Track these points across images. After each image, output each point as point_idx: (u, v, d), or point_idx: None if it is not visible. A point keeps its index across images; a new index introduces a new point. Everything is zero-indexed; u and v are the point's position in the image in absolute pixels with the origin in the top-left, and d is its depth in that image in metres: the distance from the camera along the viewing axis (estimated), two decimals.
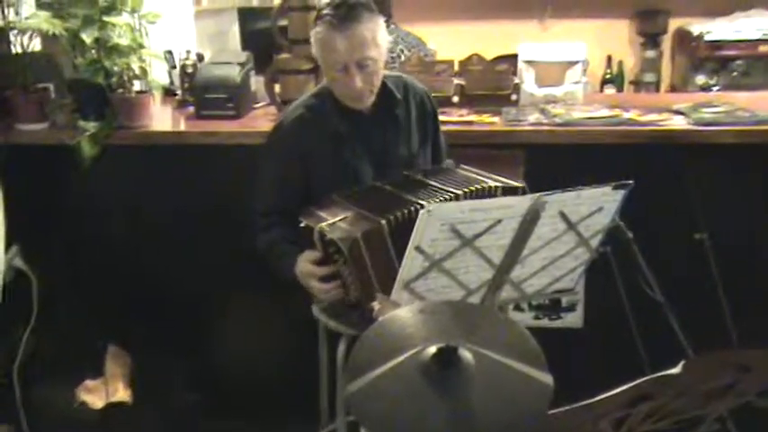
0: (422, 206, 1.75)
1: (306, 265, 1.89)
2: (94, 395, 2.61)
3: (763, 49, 3.96)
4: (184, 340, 2.70)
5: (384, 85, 2.06)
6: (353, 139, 2.04)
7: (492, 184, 1.93)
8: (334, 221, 1.81)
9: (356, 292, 1.82)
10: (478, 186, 1.91)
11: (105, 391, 2.62)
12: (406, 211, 1.81)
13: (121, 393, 2.60)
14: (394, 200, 1.88)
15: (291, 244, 1.97)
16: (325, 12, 1.91)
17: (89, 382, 2.63)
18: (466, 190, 1.89)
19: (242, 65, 2.74)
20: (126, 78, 2.55)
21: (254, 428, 2.67)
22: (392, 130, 2.08)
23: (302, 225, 1.88)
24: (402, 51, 3.13)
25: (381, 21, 1.95)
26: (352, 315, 1.93)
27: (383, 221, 1.78)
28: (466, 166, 2.07)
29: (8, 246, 2.51)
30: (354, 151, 2.04)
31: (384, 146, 2.07)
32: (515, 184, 1.94)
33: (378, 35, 1.92)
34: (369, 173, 2.04)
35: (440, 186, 1.91)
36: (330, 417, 2.32)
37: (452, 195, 1.87)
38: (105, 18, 2.44)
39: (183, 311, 2.71)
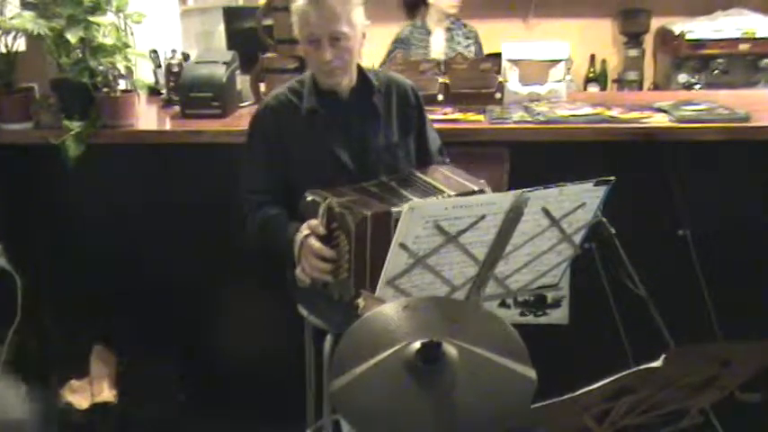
0: None
1: (310, 239, 1.86)
2: (80, 395, 2.60)
3: (743, 47, 4.01)
4: (170, 340, 2.69)
5: (363, 74, 2.11)
6: (329, 122, 2.08)
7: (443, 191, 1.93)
8: (343, 200, 1.83)
9: (346, 273, 1.83)
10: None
11: (90, 391, 2.61)
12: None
13: (107, 393, 2.59)
14: (398, 196, 1.91)
15: (288, 219, 1.99)
16: None
17: (74, 383, 2.62)
18: None
19: (227, 64, 2.74)
20: (111, 78, 2.54)
21: (241, 427, 2.67)
22: (370, 117, 2.11)
23: (308, 199, 1.89)
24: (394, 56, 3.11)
25: (358, 3, 2.01)
26: (330, 296, 1.93)
27: (393, 209, 1.81)
28: (422, 172, 2.06)
29: None
30: (331, 135, 2.07)
31: (361, 133, 2.10)
32: (472, 187, 1.95)
33: (352, 14, 1.98)
34: (347, 158, 2.07)
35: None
36: (317, 414, 2.33)
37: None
38: (90, 18, 2.43)
39: (168, 311, 2.70)
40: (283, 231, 1.96)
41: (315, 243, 1.85)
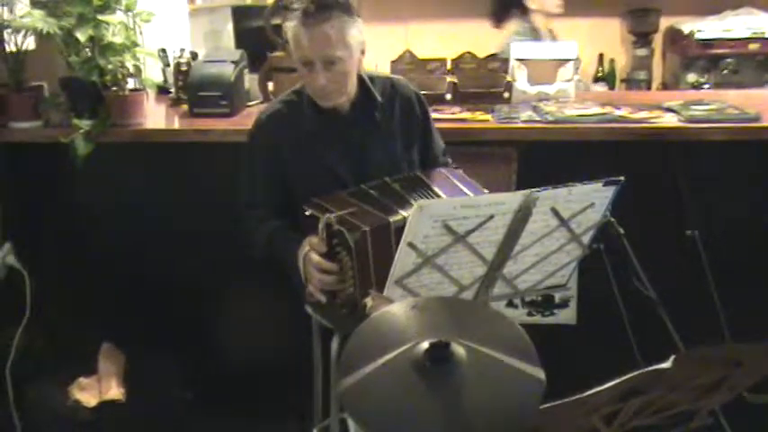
0: None
1: (311, 252, 1.87)
2: (88, 393, 2.60)
3: (752, 47, 4.00)
4: (178, 338, 2.70)
5: (365, 86, 2.06)
6: (329, 137, 2.04)
7: None
8: (341, 213, 1.81)
9: (351, 288, 1.82)
10: None
11: (98, 389, 2.61)
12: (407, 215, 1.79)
13: (115, 391, 2.60)
14: (400, 200, 1.89)
15: (292, 232, 1.97)
16: (295, 6, 1.91)
17: (82, 380, 2.62)
18: None
19: (236, 63, 2.75)
20: (120, 76, 2.55)
21: (248, 426, 2.68)
22: (371, 132, 2.07)
23: (307, 214, 1.88)
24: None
25: (355, 21, 1.93)
26: (339, 312, 1.93)
27: (391, 219, 1.80)
28: (427, 175, 2.04)
29: (1, 243, 2.51)
30: (330, 150, 2.04)
31: (362, 147, 2.06)
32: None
33: (347, 35, 1.90)
34: (346, 173, 2.04)
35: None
36: (324, 414, 2.33)
37: None
38: (100, 16, 2.44)
39: (176, 309, 2.71)
40: (288, 248, 1.94)
41: (315, 257, 1.85)
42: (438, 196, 1.94)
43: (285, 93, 2.14)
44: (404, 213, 1.83)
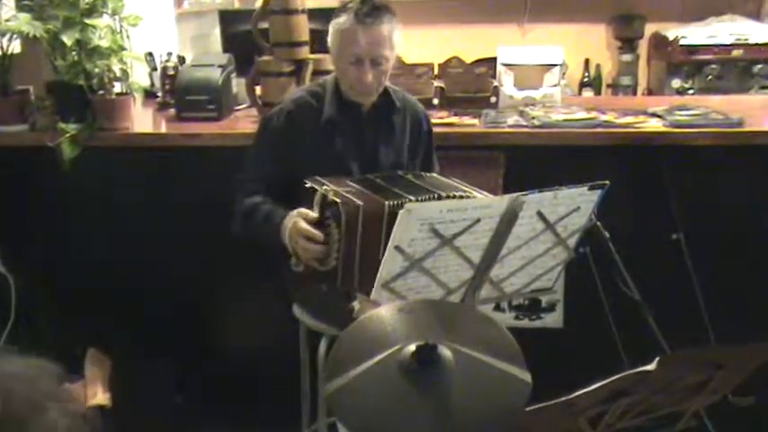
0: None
1: (299, 220, 1.90)
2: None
3: (736, 53, 4.03)
4: (165, 343, 2.69)
5: (387, 91, 2.13)
6: (346, 132, 2.09)
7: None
8: (339, 189, 1.86)
9: (334, 261, 1.85)
10: (463, 195, 1.92)
11: (84, 394, 2.60)
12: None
13: (101, 397, 2.58)
14: (405, 188, 1.92)
15: (276, 207, 2.00)
16: (351, 5, 1.99)
17: (68, 386, 2.60)
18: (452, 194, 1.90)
19: (223, 67, 2.75)
20: (107, 80, 2.54)
21: (236, 430, 2.67)
22: (385, 134, 2.14)
23: (307, 186, 1.91)
24: None
25: (399, 24, 2.03)
26: (319, 288, 1.93)
27: (386, 203, 1.83)
28: (455, 179, 2.08)
29: None
30: (344, 145, 2.09)
31: (375, 147, 2.12)
32: (483, 192, 1.96)
33: (394, 36, 2.01)
34: (354, 169, 2.08)
35: (429, 189, 1.93)
36: (312, 418, 2.33)
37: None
38: (86, 20, 2.43)
39: (163, 314, 2.70)
40: (276, 213, 1.97)
41: (303, 225, 1.88)
42: (449, 185, 1.95)
43: (310, 84, 2.19)
44: (401, 200, 1.85)
